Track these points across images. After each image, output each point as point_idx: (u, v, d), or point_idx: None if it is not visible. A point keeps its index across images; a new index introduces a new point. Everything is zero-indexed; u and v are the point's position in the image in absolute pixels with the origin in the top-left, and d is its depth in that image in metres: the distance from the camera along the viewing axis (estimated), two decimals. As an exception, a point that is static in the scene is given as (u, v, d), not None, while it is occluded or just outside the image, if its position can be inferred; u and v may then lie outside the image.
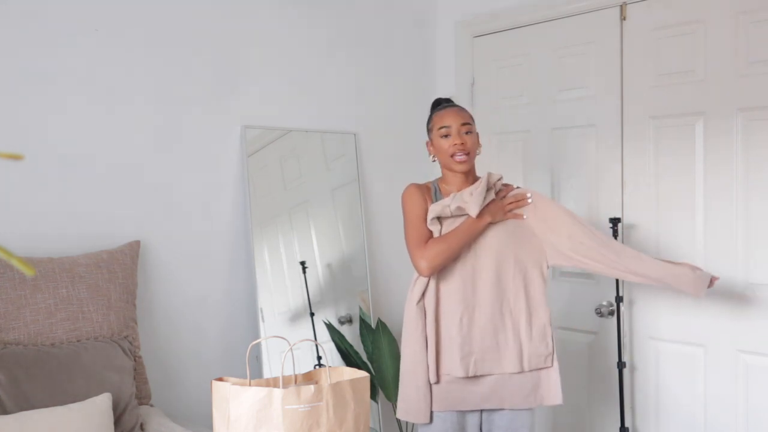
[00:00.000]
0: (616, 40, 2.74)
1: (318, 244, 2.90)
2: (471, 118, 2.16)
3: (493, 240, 2.09)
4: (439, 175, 2.23)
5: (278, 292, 2.75)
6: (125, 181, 2.40)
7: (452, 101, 2.24)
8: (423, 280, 2.09)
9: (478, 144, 2.16)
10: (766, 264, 2.38)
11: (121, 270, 2.21)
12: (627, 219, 2.71)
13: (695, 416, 2.56)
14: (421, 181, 2.24)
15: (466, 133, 2.11)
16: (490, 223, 2.08)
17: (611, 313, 2.72)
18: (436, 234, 2.08)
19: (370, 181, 3.12)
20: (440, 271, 2.08)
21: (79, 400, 1.90)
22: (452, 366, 2.06)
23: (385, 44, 3.20)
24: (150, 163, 2.46)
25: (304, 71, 2.91)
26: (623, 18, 2.71)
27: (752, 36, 2.39)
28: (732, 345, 2.46)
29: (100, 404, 1.90)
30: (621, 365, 2.65)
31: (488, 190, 2.10)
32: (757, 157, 2.39)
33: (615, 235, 2.63)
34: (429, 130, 2.18)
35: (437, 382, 2.09)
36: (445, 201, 2.09)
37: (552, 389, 2.11)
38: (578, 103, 2.87)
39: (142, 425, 2.08)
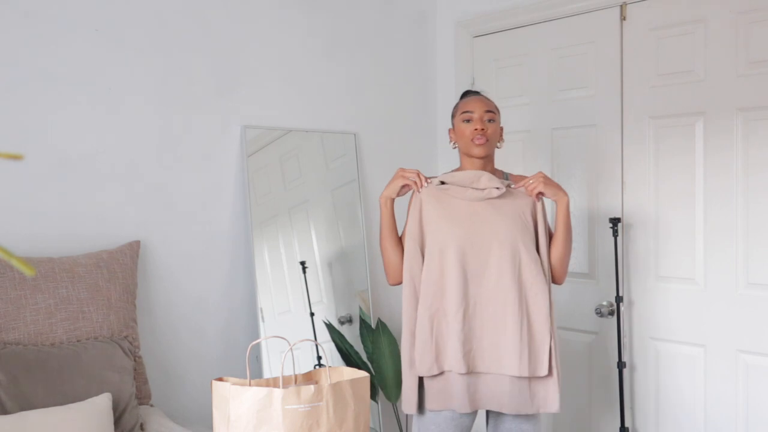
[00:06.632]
0: (616, 40, 2.74)
1: (318, 244, 2.90)
2: (496, 108, 2.16)
3: (494, 233, 2.00)
4: (457, 165, 2.22)
5: (278, 292, 2.75)
6: (125, 181, 2.40)
7: (481, 93, 2.24)
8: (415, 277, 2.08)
9: (500, 137, 2.16)
10: (766, 264, 2.38)
11: (121, 270, 2.21)
12: (627, 219, 2.71)
13: (695, 416, 2.56)
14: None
15: (489, 120, 2.11)
16: (389, 197, 2.08)
17: (611, 313, 2.72)
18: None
19: (370, 181, 3.12)
20: (441, 264, 2.01)
21: (79, 400, 1.90)
22: (453, 362, 1.99)
23: (385, 44, 3.20)
24: (150, 163, 2.46)
25: (304, 71, 2.91)
26: (623, 18, 2.71)
27: (752, 36, 2.39)
28: (732, 345, 2.46)
29: (100, 404, 1.90)
30: (621, 365, 2.65)
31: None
32: (757, 157, 2.39)
33: (615, 235, 2.63)
34: (452, 116, 2.19)
35: (429, 375, 2.03)
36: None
37: (550, 396, 2.02)
38: (578, 103, 2.87)
39: (142, 425, 2.08)
